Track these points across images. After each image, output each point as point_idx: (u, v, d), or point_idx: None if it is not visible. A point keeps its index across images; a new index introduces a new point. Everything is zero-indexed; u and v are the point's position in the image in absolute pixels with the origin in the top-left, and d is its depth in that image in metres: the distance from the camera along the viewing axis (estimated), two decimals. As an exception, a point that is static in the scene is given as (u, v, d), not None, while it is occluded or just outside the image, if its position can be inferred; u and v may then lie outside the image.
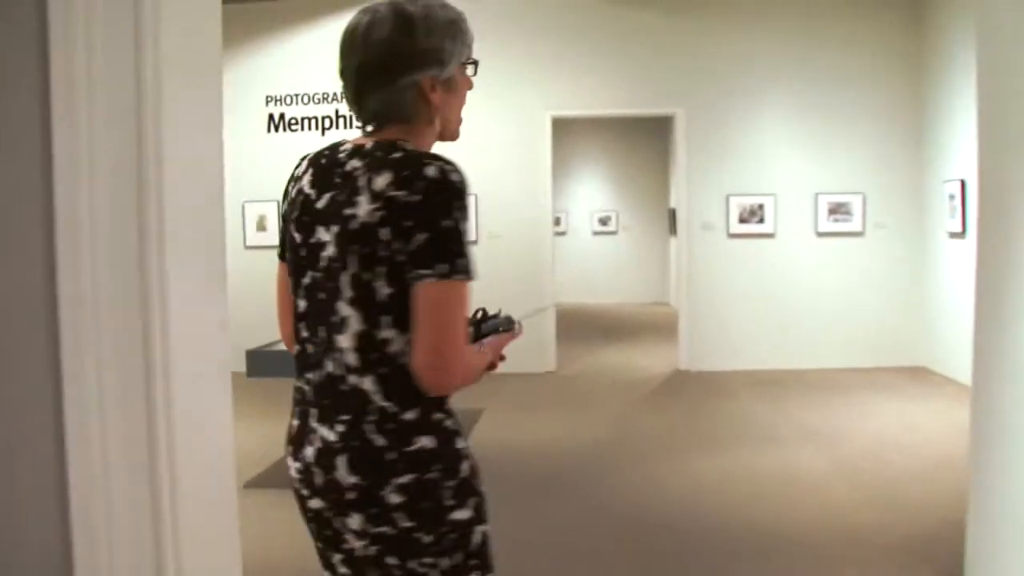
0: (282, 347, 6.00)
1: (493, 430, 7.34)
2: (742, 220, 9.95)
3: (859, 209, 9.92)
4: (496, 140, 10.11)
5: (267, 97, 10.55)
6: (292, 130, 10.52)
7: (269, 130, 10.57)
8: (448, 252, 1.70)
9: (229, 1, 10.61)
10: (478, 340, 2.03)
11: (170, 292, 1.56)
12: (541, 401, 8.57)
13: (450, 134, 1.98)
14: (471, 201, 1.88)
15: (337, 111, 10.41)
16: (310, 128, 10.48)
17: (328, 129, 10.42)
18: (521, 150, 10.12)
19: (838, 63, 9.86)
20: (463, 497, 1.81)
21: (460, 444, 1.86)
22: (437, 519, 1.78)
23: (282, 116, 10.55)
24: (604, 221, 18.51)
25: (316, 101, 10.47)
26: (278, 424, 6.47)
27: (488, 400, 8.45)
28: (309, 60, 10.42)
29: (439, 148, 1.93)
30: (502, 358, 2.07)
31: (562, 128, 10.22)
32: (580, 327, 13.79)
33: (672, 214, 16.43)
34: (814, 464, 6.15)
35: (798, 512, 5.17)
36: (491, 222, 10.12)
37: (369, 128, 1.95)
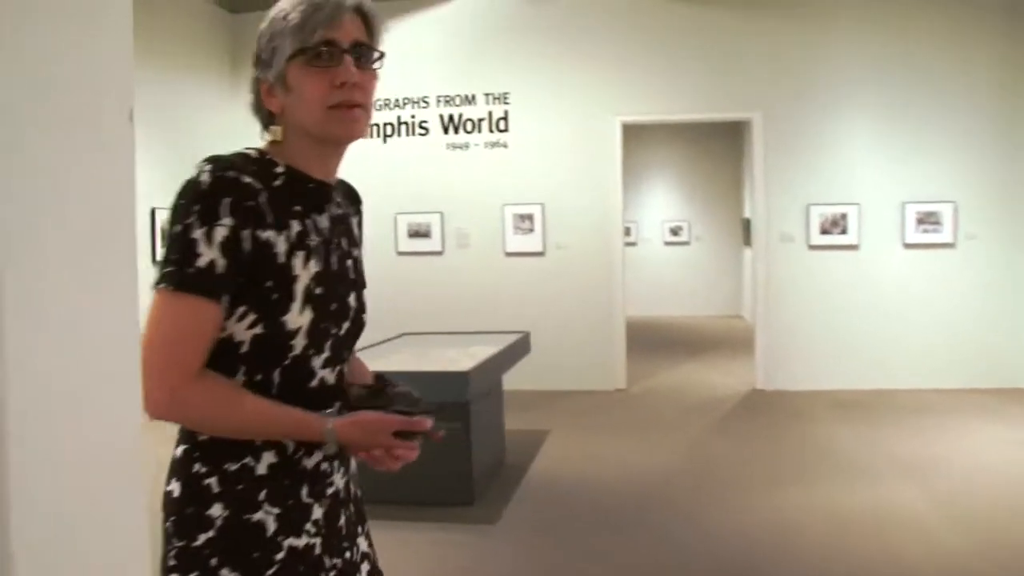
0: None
1: (558, 455, 6.88)
2: (823, 231, 9.37)
3: (950, 219, 9.28)
4: (563, 148, 9.69)
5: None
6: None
7: (329, 138, 10.24)
8: (164, 259, 1.53)
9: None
10: (362, 409, 1.67)
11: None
12: (610, 422, 8.09)
13: (320, 133, 1.66)
14: (224, 206, 1.53)
15: (399, 118, 10.07)
16: (372, 136, 10.14)
17: (390, 136, 10.08)
18: (589, 158, 9.67)
19: (928, 63, 9.24)
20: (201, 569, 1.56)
21: (214, 506, 1.58)
22: None
23: (342, 123, 10.21)
24: (675, 231, 18.00)
25: (378, 107, 10.12)
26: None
27: (554, 420, 8.01)
28: (370, 65, 10.07)
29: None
30: (406, 433, 1.68)
31: (631, 135, 9.77)
32: (650, 341, 13.28)
33: (746, 224, 15.85)
34: (910, 499, 5.59)
35: (896, 555, 4.64)
36: (558, 233, 9.69)
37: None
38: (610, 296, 9.64)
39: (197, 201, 1.51)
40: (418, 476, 5.53)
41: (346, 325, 1.72)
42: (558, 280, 9.69)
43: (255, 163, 1.64)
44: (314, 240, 1.65)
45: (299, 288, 1.59)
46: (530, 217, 9.72)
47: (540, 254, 9.73)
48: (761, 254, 9.51)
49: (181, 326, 1.51)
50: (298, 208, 1.65)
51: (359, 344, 1.83)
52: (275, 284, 1.57)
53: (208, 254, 1.49)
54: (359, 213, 1.92)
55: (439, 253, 9.95)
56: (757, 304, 9.61)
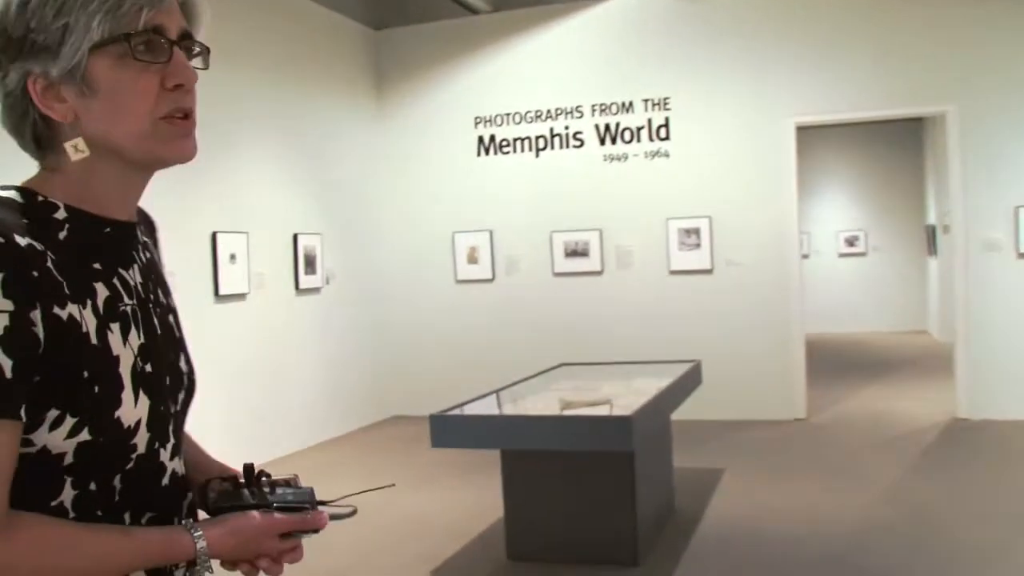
0: (470, 410, 5.03)
1: (735, 500, 6.09)
2: (1034, 237, 8.27)
3: None
4: (731, 154, 8.90)
5: (476, 118, 9.75)
6: (504, 152, 9.67)
7: (479, 154, 9.76)
8: None
9: (433, 19, 10.00)
10: (228, 509, 1.30)
11: None
12: (791, 459, 7.23)
13: (136, 154, 1.23)
14: (1, 284, 1.07)
15: (552, 130, 9.48)
16: (523, 150, 9.60)
17: (543, 150, 9.50)
18: (760, 164, 8.84)
19: None
20: None
21: None
22: None
23: (492, 138, 9.72)
24: (851, 241, 16.98)
25: (529, 120, 9.58)
26: (470, 494, 5.32)
27: (728, 456, 7.22)
28: (521, 76, 9.58)
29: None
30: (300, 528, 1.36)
31: (800, 138, 8.85)
32: (829, 362, 12.27)
33: (930, 231, 14.67)
34: None
35: None
36: (728, 248, 8.89)
37: None
38: (787, 315, 8.77)
39: None
40: (575, 532, 4.88)
41: (182, 397, 1.37)
42: (728, 299, 8.88)
43: (24, 212, 1.17)
44: (128, 304, 1.25)
45: (125, 371, 1.20)
46: (696, 231, 8.96)
47: (708, 271, 8.94)
48: (959, 264, 8.44)
49: None
50: (98, 266, 1.22)
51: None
52: (93, 373, 1.16)
53: None
54: (157, 242, 1.45)
55: (598, 273, 9.28)
56: (957, 321, 8.53)
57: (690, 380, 6.00)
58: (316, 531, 1.36)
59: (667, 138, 9.11)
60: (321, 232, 8.97)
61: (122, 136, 1.20)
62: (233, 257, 7.72)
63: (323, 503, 1.38)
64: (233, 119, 7.83)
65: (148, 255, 1.36)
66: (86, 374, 1.15)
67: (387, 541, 5.63)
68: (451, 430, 4.73)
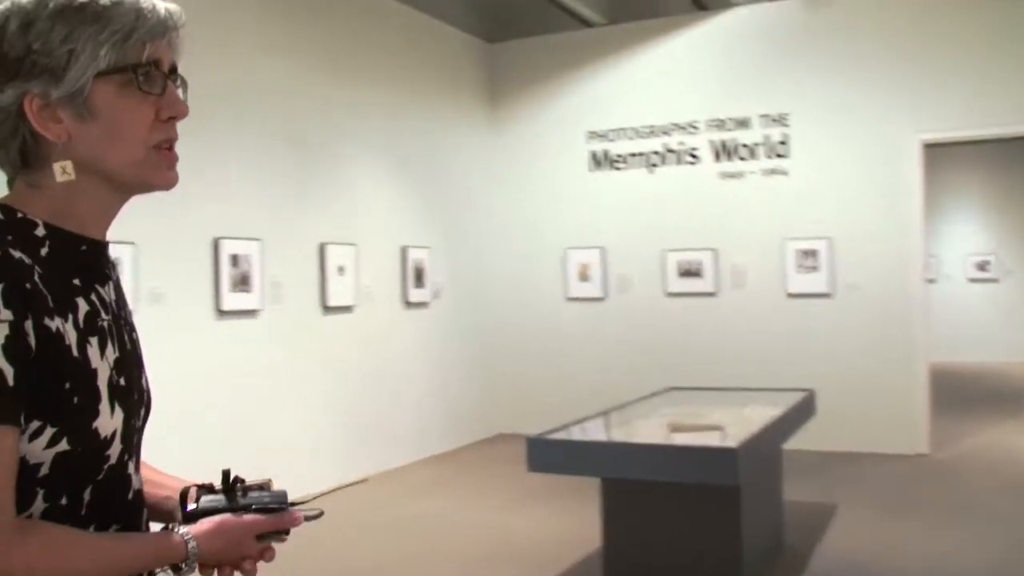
0: (570, 435, 4.87)
1: (848, 539, 5.77)
2: None
3: None
4: (853, 173, 8.54)
5: (589, 133, 9.60)
6: (616, 168, 9.49)
7: (591, 169, 9.61)
8: None
9: (547, 32, 9.90)
10: (204, 515, 1.37)
11: None
12: (912, 498, 6.84)
13: (130, 179, 1.31)
14: (1, 294, 1.13)
15: (666, 146, 9.26)
16: (636, 166, 9.40)
17: (656, 166, 9.29)
18: (884, 184, 8.45)
19: None
20: None
21: None
22: None
23: (605, 153, 9.55)
24: (982, 266, 16.29)
25: (643, 136, 9.38)
26: (569, 520, 5.13)
27: (842, 491, 6.88)
28: (635, 90, 9.40)
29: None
30: (276, 536, 1.41)
31: (928, 156, 8.43)
32: (956, 393, 11.68)
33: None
34: None
35: None
36: (848, 270, 8.52)
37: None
38: (910, 342, 8.34)
39: None
40: (676, 567, 4.66)
41: (143, 413, 1.41)
42: (848, 324, 8.51)
43: (8, 227, 1.22)
44: (105, 319, 1.31)
45: (103, 383, 1.26)
46: (815, 253, 8.61)
47: (827, 295, 8.58)
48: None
49: None
50: (77, 282, 1.28)
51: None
52: (74, 385, 1.21)
53: None
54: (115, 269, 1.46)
55: (712, 294, 9.02)
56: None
57: (803, 410, 5.72)
58: (287, 533, 1.41)
59: (785, 155, 8.79)
60: (430, 245, 8.94)
61: (116, 160, 1.26)
62: (341, 269, 7.73)
63: (294, 504, 1.43)
64: (344, 131, 7.85)
65: (117, 275, 1.41)
66: (67, 385, 1.20)
67: (479, 564, 5.50)
68: (549, 454, 4.58)
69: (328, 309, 7.61)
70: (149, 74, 1.25)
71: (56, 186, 1.25)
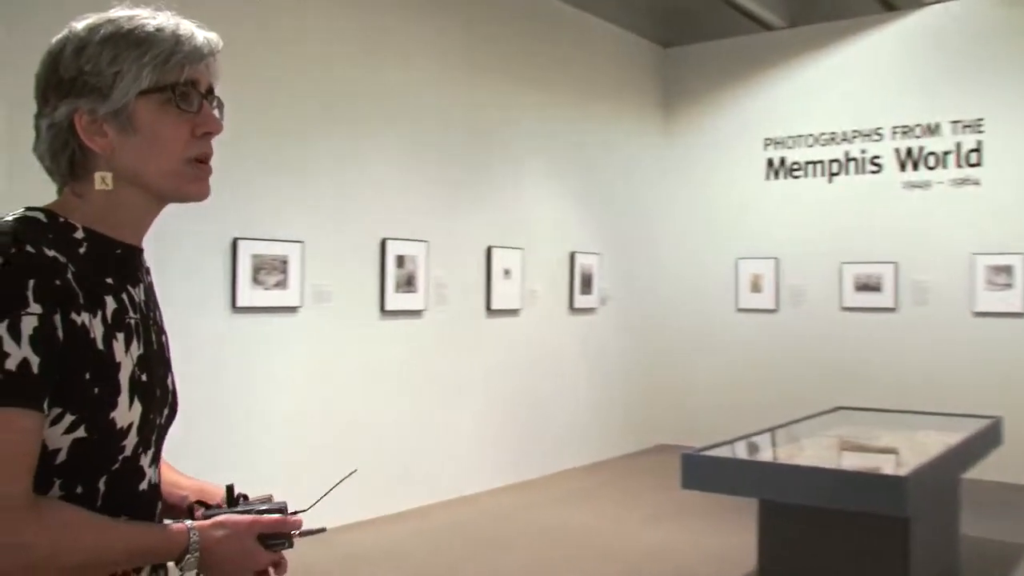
0: (730, 452, 4.67)
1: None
2: None
3: None
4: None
5: (766, 140, 9.30)
6: (794, 176, 9.15)
7: (768, 177, 9.30)
8: None
9: (724, 36, 9.63)
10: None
11: None
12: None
13: (166, 189, 1.42)
14: (29, 289, 1.24)
15: (847, 153, 8.86)
16: (815, 175, 9.04)
17: (836, 175, 8.91)
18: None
19: None
20: None
21: None
22: None
23: (782, 161, 9.23)
24: None
25: (822, 143, 9.01)
26: (722, 539, 4.94)
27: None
28: (816, 96, 9.03)
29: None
30: (280, 542, 1.48)
31: None
32: None
33: None
34: None
35: None
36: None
37: None
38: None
39: None
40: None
41: (166, 412, 1.50)
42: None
43: (49, 229, 1.34)
44: (133, 318, 1.41)
45: (124, 377, 1.36)
46: (1008, 270, 8.05)
47: (1020, 315, 8.01)
48: None
49: (5, 450, 1.22)
50: (109, 281, 1.39)
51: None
52: (95, 376, 1.32)
53: (18, 352, 1.22)
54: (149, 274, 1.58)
55: (891, 310, 8.55)
56: None
57: (987, 438, 5.33)
58: (289, 538, 1.48)
59: (978, 164, 8.26)
60: (599, 252, 8.84)
61: (154, 172, 1.39)
62: (507, 272, 7.73)
63: (295, 513, 1.51)
64: (515, 135, 7.85)
65: (150, 279, 1.52)
66: (88, 376, 1.29)
67: (635, 580, 5.37)
68: (704, 472, 4.41)
69: (492, 312, 7.62)
70: (186, 93, 1.38)
71: (97, 194, 1.37)
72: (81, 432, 1.29)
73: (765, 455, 5.01)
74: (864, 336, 8.64)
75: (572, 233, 8.56)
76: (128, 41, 1.35)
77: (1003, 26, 8.19)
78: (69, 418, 1.28)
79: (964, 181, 8.31)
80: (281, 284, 5.93)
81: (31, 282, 1.23)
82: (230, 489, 1.53)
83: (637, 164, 9.50)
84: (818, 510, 4.33)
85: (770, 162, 9.31)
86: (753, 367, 9.18)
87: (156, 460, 1.47)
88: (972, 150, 8.28)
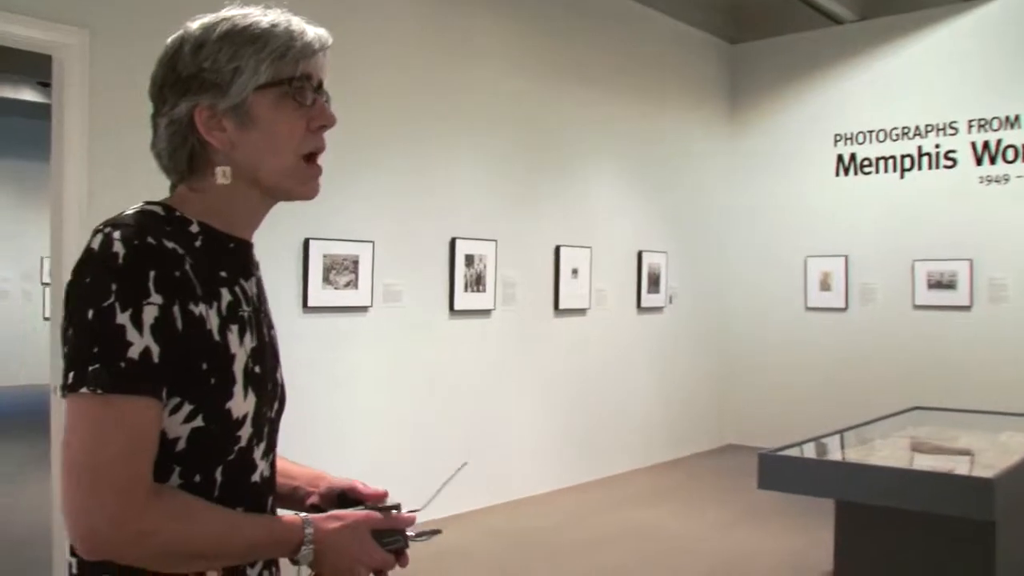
0: (805, 451, 4.61)
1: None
2: None
3: None
4: None
5: (836, 136, 9.16)
6: (865, 172, 9.01)
7: (838, 173, 9.16)
8: (80, 354, 1.24)
9: (792, 31, 9.50)
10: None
11: None
12: None
13: (279, 187, 1.44)
14: (150, 280, 1.27)
15: (920, 148, 8.70)
16: (886, 170, 8.90)
17: (908, 170, 8.75)
18: None
19: None
20: None
21: None
22: None
23: (853, 157, 9.09)
24: None
25: (894, 138, 8.86)
26: (797, 541, 4.87)
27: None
28: (887, 90, 8.88)
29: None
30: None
31: None
32: None
33: None
34: None
35: None
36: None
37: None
38: None
39: (114, 277, 1.25)
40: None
41: (276, 406, 1.52)
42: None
43: (167, 223, 1.36)
44: (246, 310, 1.43)
45: (238, 368, 1.37)
46: (1088, 266, 7.84)
47: (152, 342, 7.68)
48: None
49: (128, 437, 1.24)
50: (224, 274, 1.41)
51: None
52: (211, 366, 1.33)
53: (140, 341, 1.24)
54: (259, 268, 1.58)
55: (966, 308, 8.38)
56: None
57: (1071, 439, 5.19)
58: (405, 539, 1.48)
59: (1058, 158, 8.07)
60: (667, 250, 8.79)
61: (269, 167, 1.40)
62: (575, 272, 7.72)
63: (409, 512, 1.51)
64: (582, 133, 7.83)
65: (260, 274, 1.54)
66: (204, 366, 1.32)
67: (708, 581, 5.33)
68: (781, 472, 4.35)
69: (560, 311, 7.61)
70: (301, 87, 1.40)
71: (214, 190, 1.39)
72: (199, 421, 1.32)
73: (840, 455, 4.94)
74: (938, 335, 8.48)
75: (639, 232, 8.52)
76: (244, 37, 1.37)
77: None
78: (187, 407, 1.30)
79: (1044, 175, 8.12)
80: (352, 284, 5.98)
81: (152, 273, 1.26)
82: (342, 496, 1.55)
83: (704, 162, 9.42)
84: (898, 512, 4.25)
85: (840, 158, 9.17)
86: (823, 366, 9.06)
87: (268, 453, 1.48)
88: (1052, 143, 8.09)
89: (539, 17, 7.48)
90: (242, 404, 1.36)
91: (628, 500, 7.26)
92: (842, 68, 9.16)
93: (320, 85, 1.44)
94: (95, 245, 1.27)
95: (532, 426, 7.34)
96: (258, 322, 1.46)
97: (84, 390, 1.22)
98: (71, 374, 1.23)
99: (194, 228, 1.38)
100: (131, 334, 1.23)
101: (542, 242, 7.47)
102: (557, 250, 7.58)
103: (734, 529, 6.38)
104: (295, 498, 1.59)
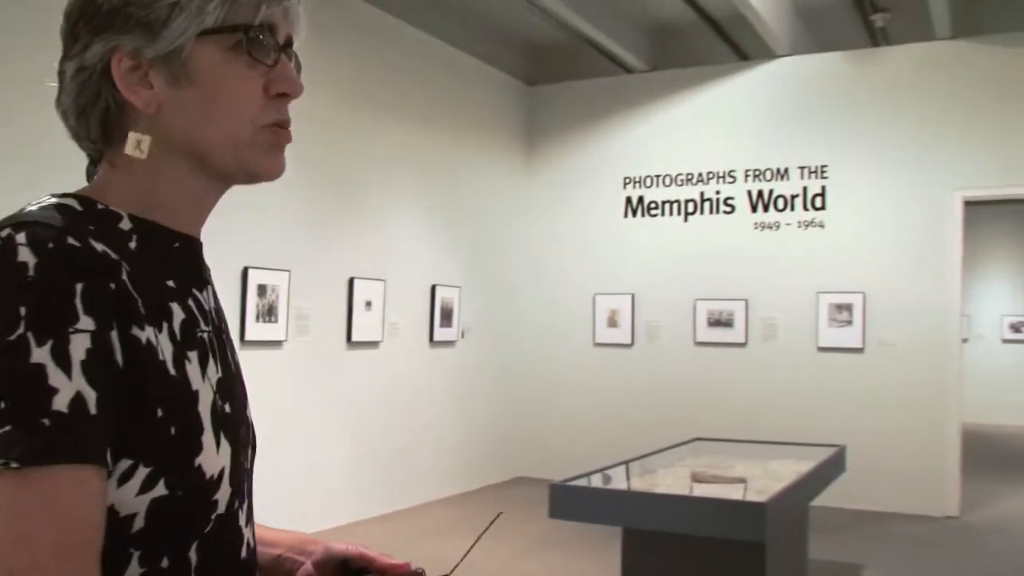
0: (594, 481, 4.77)
1: (877, 601, 5.61)
2: None
3: None
4: (890, 228, 8.44)
5: (625, 178, 9.56)
6: (652, 215, 9.43)
7: (626, 215, 9.55)
8: None
9: (587, 77, 9.88)
10: None
11: None
12: (939, 560, 6.68)
13: (229, 163, 1.06)
14: (77, 296, 0.89)
15: (703, 194, 9.20)
16: (672, 213, 9.35)
17: (692, 214, 9.23)
18: (921, 240, 8.33)
19: None
20: None
21: None
22: None
23: (640, 199, 9.50)
24: (1017, 327, 16.08)
25: (679, 183, 9.34)
26: (587, 569, 4.92)
27: (868, 552, 6.72)
28: (674, 138, 9.36)
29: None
30: None
31: (966, 213, 8.28)
32: (989, 457, 11.47)
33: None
34: None
35: None
36: (882, 327, 8.38)
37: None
38: (942, 402, 8.18)
39: (22, 297, 0.87)
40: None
41: (251, 453, 1.15)
42: (879, 381, 8.35)
43: (87, 218, 0.99)
44: (205, 330, 1.07)
45: (204, 410, 1.01)
46: (849, 307, 8.49)
47: (859, 350, 8.44)
48: None
49: (63, 525, 0.86)
50: (171, 284, 1.04)
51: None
52: (169, 411, 0.96)
53: (68, 386, 0.87)
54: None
55: (742, 345, 8.89)
56: None
57: (832, 466, 5.58)
58: None
59: (823, 207, 8.71)
60: (460, 285, 8.89)
61: (213, 137, 1.05)
62: (369, 304, 7.70)
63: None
64: (379, 166, 7.85)
65: (213, 282, 1.17)
66: (160, 412, 0.95)
67: (498, 611, 5.38)
68: (571, 502, 4.47)
69: (353, 343, 7.56)
70: (261, 40, 1.05)
71: (141, 168, 1.04)
72: (161, 488, 0.95)
73: (626, 485, 5.12)
74: (717, 370, 8.95)
75: (434, 266, 8.59)
76: None
77: (847, 81, 8.70)
78: (143, 471, 0.94)
79: (810, 223, 8.74)
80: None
81: (79, 287, 0.90)
82: (346, 564, 1.24)
83: (500, 199, 9.62)
84: (680, 536, 4.45)
85: (629, 200, 9.56)
86: (610, 400, 9.37)
87: (251, 517, 1.14)
88: (817, 194, 8.73)
89: (342, 48, 7.45)
90: (215, 457, 1.01)
91: (426, 532, 7.26)
92: (632, 114, 9.58)
93: (289, 43, 1.11)
94: None
95: (327, 459, 7.24)
96: (220, 344, 1.11)
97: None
98: None
99: (124, 224, 1.02)
100: (55, 376, 0.86)
101: (336, 274, 7.42)
102: (351, 282, 7.54)
103: (528, 558, 6.49)
104: (280, 571, 1.24)
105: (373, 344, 7.79)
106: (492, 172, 9.53)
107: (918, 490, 8.14)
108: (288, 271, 6.85)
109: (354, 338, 7.55)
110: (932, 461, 8.15)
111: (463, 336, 8.98)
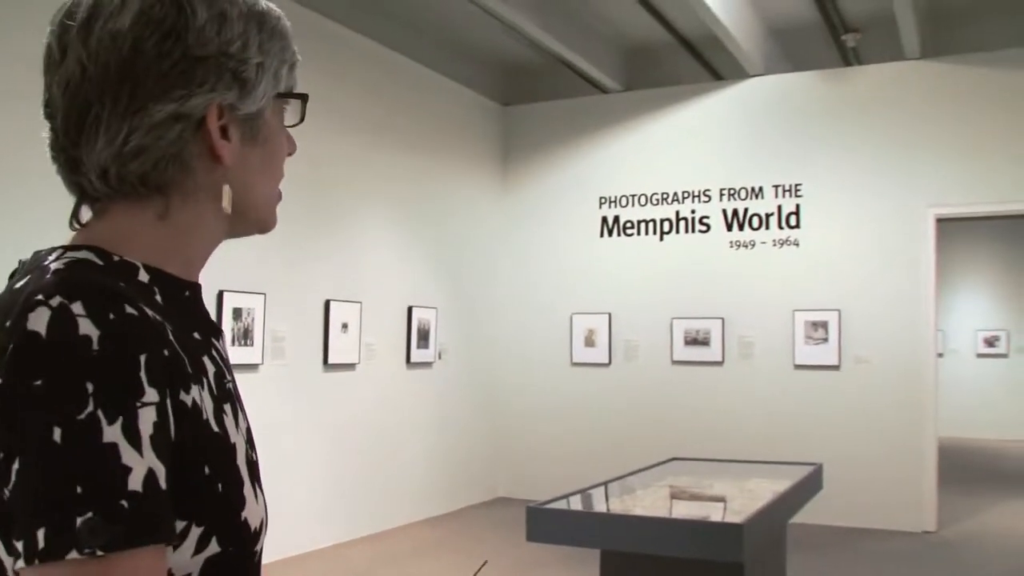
0: (571, 503, 4.75)
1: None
2: None
3: None
4: (864, 245, 8.50)
5: (601, 198, 9.59)
6: (627, 234, 9.46)
7: (602, 234, 9.57)
8: (50, 499, 0.80)
9: (562, 97, 9.93)
10: None
11: None
12: (917, 575, 6.69)
13: (258, 219, 1.11)
14: (142, 368, 0.87)
15: (678, 213, 9.23)
16: (647, 233, 9.38)
17: (667, 233, 9.26)
18: (895, 257, 8.40)
19: None
20: None
21: None
22: None
23: (616, 219, 9.53)
24: (991, 342, 16.15)
25: (654, 202, 9.37)
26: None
27: (846, 568, 6.73)
28: (649, 157, 9.40)
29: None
30: None
31: (939, 230, 8.36)
32: (964, 470, 11.53)
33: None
34: None
35: None
36: (857, 344, 8.43)
37: (85, 214, 1.02)
38: (919, 418, 8.23)
39: (89, 373, 0.84)
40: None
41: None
42: (856, 398, 8.40)
43: (113, 274, 0.94)
44: (229, 381, 1.05)
45: (241, 462, 1.00)
46: (824, 325, 8.53)
47: (835, 367, 8.49)
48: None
49: None
50: (197, 336, 1.02)
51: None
52: (216, 468, 0.95)
53: (140, 463, 0.84)
54: None
55: (719, 363, 8.92)
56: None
57: (810, 485, 5.59)
58: None
59: (797, 226, 8.76)
60: (436, 306, 8.87)
61: (263, 195, 1.10)
62: (345, 326, 7.67)
63: None
64: (354, 187, 7.84)
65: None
66: (207, 470, 0.94)
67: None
68: (549, 524, 4.45)
69: (330, 366, 7.53)
70: (304, 104, 1.12)
71: (186, 223, 1.02)
72: (214, 547, 0.94)
73: (604, 506, 5.11)
74: (694, 389, 8.97)
75: (410, 287, 8.57)
76: (266, 25, 1.05)
77: (820, 100, 8.77)
78: (196, 531, 0.92)
79: (785, 242, 8.79)
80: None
81: (143, 358, 0.87)
82: None
83: (476, 219, 9.62)
84: (657, 558, 4.45)
85: (604, 220, 9.59)
86: (588, 420, 9.37)
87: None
88: (792, 213, 8.78)
89: (316, 68, 7.42)
90: (256, 508, 1.01)
91: (405, 554, 7.23)
92: (607, 134, 9.62)
93: None
94: (39, 327, 0.85)
95: (305, 482, 7.19)
96: (237, 393, 1.09)
97: (74, 555, 0.80)
98: (41, 532, 0.81)
99: (143, 276, 0.99)
100: (127, 455, 0.84)
101: (312, 296, 7.40)
102: (327, 304, 7.51)
103: (503, 581, 6.46)
104: None
105: (350, 366, 7.76)
106: (468, 192, 9.54)
107: (895, 506, 8.17)
108: (263, 294, 6.82)
109: (331, 360, 7.52)
110: (909, 476, 8.19)
111: (440, 357, 8.96)
